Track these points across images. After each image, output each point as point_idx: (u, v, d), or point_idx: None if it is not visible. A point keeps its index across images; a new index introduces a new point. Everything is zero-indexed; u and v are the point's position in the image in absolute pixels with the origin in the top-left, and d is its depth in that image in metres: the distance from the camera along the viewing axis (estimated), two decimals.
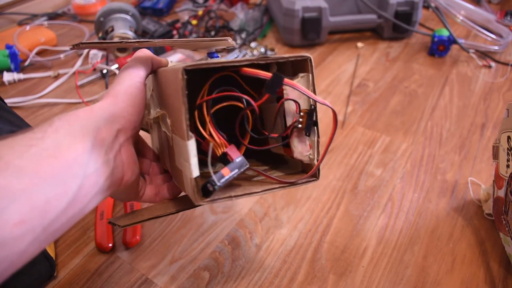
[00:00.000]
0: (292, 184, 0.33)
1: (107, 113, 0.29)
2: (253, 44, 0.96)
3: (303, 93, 0.31)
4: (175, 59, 0.89)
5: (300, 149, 0.34)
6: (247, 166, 0.31)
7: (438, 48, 0.91)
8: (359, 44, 0.98)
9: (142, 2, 1.15)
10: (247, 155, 0.40)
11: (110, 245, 0.50)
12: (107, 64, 0.86)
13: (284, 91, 0.33)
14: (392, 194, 0.59)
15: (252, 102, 0.31)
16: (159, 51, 0.91)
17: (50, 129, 0.25)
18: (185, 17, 1.07)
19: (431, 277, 0.48)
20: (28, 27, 0.99)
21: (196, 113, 0.32)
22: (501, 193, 0.47)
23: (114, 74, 0.85)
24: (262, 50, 0.94)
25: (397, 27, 0.96)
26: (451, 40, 0.90)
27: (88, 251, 0.51)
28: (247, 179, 0.35)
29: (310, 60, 0.32)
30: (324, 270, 0.49)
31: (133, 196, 0.34)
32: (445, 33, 0.90)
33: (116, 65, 0.85)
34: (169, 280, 0.48)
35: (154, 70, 0.36)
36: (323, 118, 0.73)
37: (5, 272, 0.22)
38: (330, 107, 0.31)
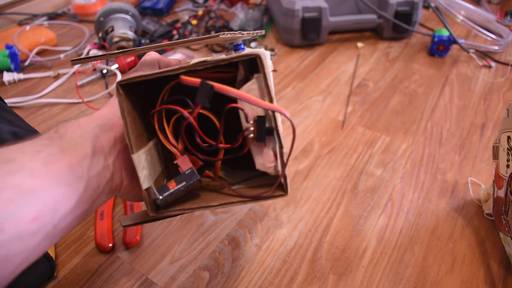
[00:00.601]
0: (254, 199, 0.30)
1: (105, 121, 0.31)
2: (253, 44, 0.96)
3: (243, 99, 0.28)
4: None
5: (262, 160, 0.31)
6: (197, 178, 0.30)
7: (438, 48, 0.91)
8: (359, 44, 0.98)
9: (142, 2, 1.15)
10: (235, 164, 0.39)
11: (110, 245, 0.51)
12: (107, 64, 0.86)
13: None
14: (392, 194, 0.59)
15: (187, 114, 0.29)
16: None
17: (55, 136, 0.28)
18: (185, 17, 1.07)
19: (431, 277, 0.48)
20: (28, 27, 0.99)
21: (155, 121, 0.32)
22: (501, 193, 0.47)
23: (114, 74, 0.85)
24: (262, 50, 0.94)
25: (397, 27, 0.96)
26: (451, 40, 0.90)
27: (88, 251, 0.51)
28: (216, 190, 0.34)
29: (260, 58, 0.28)
30: (324, 270, 0.49)
31: (137, 198, 0.35)
32: (445, 33, 0.90)
33: (116, 65, 0.85)
34: (169, 280, 0.48)
35: None
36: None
37: (21, 265, 0.23)
38: (284, 114, 0.27)
